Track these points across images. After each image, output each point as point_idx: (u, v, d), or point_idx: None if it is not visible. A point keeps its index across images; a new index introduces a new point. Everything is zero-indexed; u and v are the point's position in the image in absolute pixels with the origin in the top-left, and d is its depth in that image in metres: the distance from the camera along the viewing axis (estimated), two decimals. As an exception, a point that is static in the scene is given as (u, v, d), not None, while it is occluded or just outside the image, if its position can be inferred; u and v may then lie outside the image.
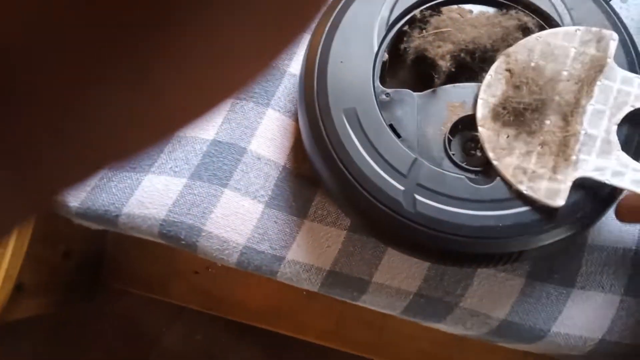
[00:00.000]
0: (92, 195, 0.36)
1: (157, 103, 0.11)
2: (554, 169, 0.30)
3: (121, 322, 0.75)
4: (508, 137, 0.31)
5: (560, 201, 0.29)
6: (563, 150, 0.30)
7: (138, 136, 0.12)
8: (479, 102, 0.32)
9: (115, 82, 0.10)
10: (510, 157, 0.31)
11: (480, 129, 0.32)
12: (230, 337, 0.74)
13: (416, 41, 0.34)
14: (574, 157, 0.30)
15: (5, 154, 0.10)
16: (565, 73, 0.31)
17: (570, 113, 0.31)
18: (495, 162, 0.31)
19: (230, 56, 0.11)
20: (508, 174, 0.30)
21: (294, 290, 0.48)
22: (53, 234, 0.40)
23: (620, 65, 0.32)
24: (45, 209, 0.12)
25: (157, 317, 0.76)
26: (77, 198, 0.36)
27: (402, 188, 0.31)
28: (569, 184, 0.30)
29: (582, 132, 0.30)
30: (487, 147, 0.31)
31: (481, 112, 0.32)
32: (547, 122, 0.31)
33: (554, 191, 0.30)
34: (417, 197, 0.30)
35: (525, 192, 0.30)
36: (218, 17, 0.10)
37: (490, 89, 0.32)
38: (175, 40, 0.09)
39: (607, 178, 0.29)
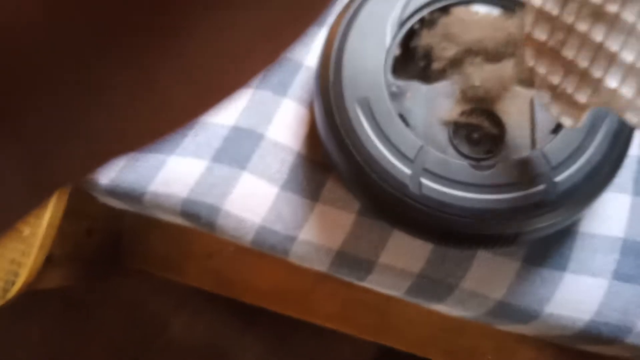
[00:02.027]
0: (121, 173, 0.38)
1: (165, 94, 0.11)
2: (577, 88, 0.27)
3: (129, 309, 0.78)
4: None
5: (569, 122, 0.28)
6: (590, 69, 0.26)
7: (147, 126, 0.12)
8: None
9: (123, 75, 0.10)
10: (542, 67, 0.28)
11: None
12: (234, 325, 0.77)
13: (425, 40, 0.36)
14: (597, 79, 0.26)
15: (15, 139, 0.10)
16: None
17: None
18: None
19: (240, 46, 0.11)
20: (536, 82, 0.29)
21: (302, 274, 0.51)
22: (78, 210, 0.42)
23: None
24: (50, 195, 0.12)
25: (164, 305, 0.78)
26: (106, 176, 0.38)
27: (409, 172, 0.33)
28: (586, 110, 0.27)
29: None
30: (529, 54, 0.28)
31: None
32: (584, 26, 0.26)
33: (569, 112, 0.28)
34: (423, 180, 0.33)
35: (546, 105, 0.28)
36: (230, 10, 0.10)
37: None
38: (185, 31, 0.10)
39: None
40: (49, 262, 0.38)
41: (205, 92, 0.12)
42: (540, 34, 0.28)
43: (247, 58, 0.11)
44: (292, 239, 0.39)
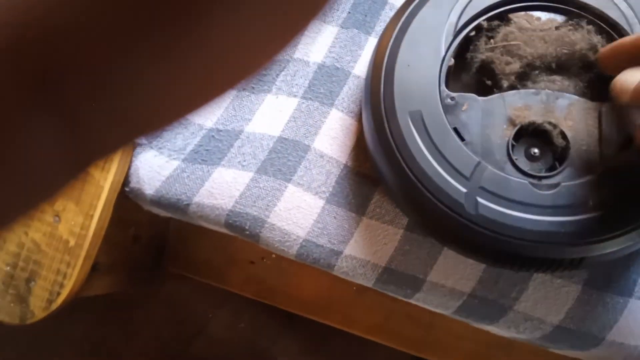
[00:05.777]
0: (166, 184, 0.38)
1: (185, 77, 0.12)
2: None
3: (169, 308, 0.79)
4: None
5: None
6: None
7: (172, 106, 0.13)
8: None
9: (148, 61, 0.11)
10: None
11: None
12: (273, 325, 0.77)
13: (484, 53, 0.34)
14: None
15: (56, 117, 0.11)
16: None
17: None
18: None
19: (249, 35, 0.12)
20: None
21: (345, 284, 0.50)
22: (125, 218, 0.43)
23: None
24: (87, 168, 0.13)
25: (204, 303, 0.79)
26: (152, 186, 0.38)
27: (464, 190, 0.31)
28: None
29: None
30: None
31: None
32: None
33: None
34: (479, 199, 0.31)
35: None
36: (236, 4, 0.11)
37: None
38: (199, 21, 0.11)
39: None
40: (95, 270, 0.39)
41: (222, 74, 0.13)
42: None
43: (255, 43, 0.12)
44: (337, 253, 0.38)
